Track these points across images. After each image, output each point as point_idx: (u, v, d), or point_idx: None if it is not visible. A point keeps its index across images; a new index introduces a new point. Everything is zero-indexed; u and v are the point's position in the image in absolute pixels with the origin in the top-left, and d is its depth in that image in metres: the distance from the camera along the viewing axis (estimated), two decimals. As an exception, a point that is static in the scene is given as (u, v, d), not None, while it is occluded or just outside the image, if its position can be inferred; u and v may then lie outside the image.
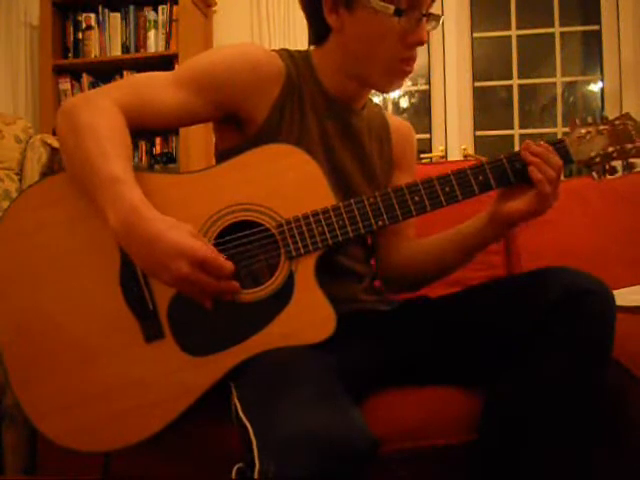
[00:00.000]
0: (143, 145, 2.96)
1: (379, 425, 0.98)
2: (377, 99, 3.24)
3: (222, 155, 1.06)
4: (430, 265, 1.14)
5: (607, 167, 1.00)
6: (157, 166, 2.80)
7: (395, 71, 1.02)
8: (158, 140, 2.94)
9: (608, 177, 1.00)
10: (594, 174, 1.01)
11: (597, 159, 0.99)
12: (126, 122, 0.95)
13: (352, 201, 0.96)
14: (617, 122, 1.00)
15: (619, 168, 0.99)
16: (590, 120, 1.01)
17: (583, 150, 0.99)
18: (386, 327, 1.07)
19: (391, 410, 1.02)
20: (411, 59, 1.01)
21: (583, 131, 1.00)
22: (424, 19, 0.98)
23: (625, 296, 1.25)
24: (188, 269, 0.82)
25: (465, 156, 2.77)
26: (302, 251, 0.94)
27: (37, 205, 0.97)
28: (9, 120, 1.83)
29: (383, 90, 1.08)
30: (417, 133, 1.30)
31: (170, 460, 1.04)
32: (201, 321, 0.92)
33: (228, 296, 0.89)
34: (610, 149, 0.99)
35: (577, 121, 1.01)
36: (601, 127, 1.00)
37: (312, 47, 1.10)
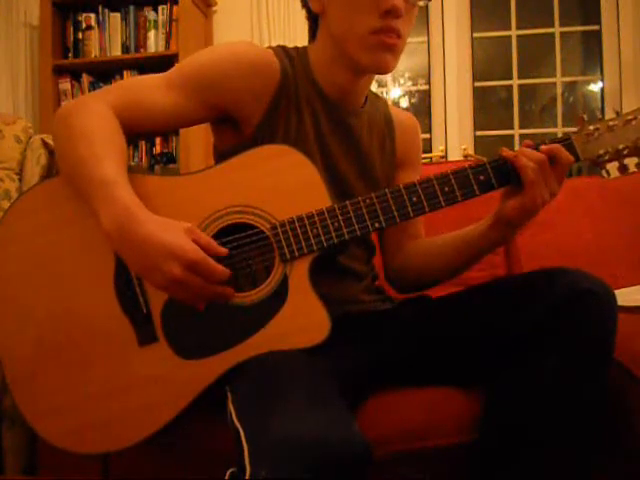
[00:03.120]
0: (143, 145, 2.97)
1: (380, 426, 0.98)
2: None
3: (220, 155, 1.06)
4: (441, 265, 1.12)
5: (618, 165, 0.95)
6: (157, 166, 2.80)
7: (375, 45, 0.97)
8: (158, 140, 2.94)
9: (618, 175, 0.95)
10: (603, 172, 0.96)
11: (606, 157, 0.94)
12: (120, 125, 0.95)
13: (348, 202, 0.94)
14: (629, 117, 0.94)
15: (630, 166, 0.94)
16: (599, 117, 0.95)
17: (590, 148, 0.95)
18: (386, 327, 1.07)
19: (391, 411, 1.02)
20: (389, 30, 0.96)
21: (591, 128, 0.95)
22: None
23: (626, 296, 1.24)
24: (179, 271, 0.82)
25: (465, 156, 2.77)
26: (296, 254, 0.92)
27: (34, 209, 0.97)
28: (9, 120, 1.83)
29: (371, 69, 1.02)
30: (417, 133, 1.29)
31: (169, 461, 1.04)
32: (194, 325, 0.92)
33: (219, 300, 0.89)
34: (621, 146, 0.94)
35: (585, 117, 0.96)
36: (611, 123, 0.94)
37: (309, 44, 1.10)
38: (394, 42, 0.98)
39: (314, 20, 1.07)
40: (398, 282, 1.20)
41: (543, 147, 0.94)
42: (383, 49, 0.98)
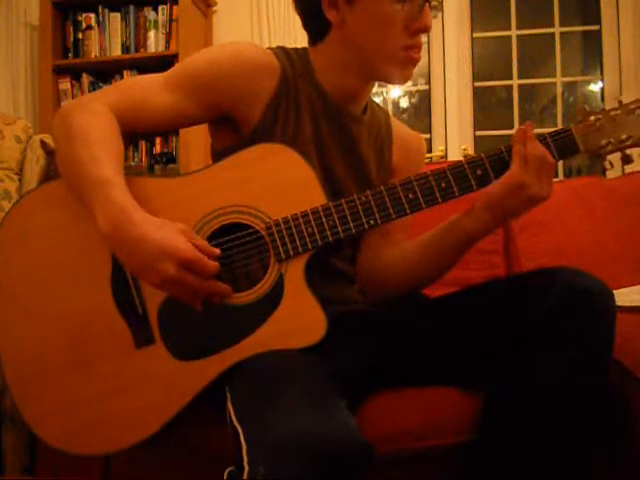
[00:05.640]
0: (143, 145, 2.96)
1: (379, 426, 0.98)
2: (377, 99, 3.24)
3: (217, 156, 1.06)
4: (404, 273, 1.09)
5: (621, 155, 0.94)
6: (157, 166, 2.80)
7: (403, 60, 1.00)
8: (158, 140, 2.94)
9: (620, 165, 0.94)
10: (606, 164, 0.95)
11: (608, 148, 0.93)
12: (119, 126, 0.96)
13: (343, 200, 0.94)
14: (632, 106, 0.93)
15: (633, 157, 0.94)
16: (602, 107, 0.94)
17: (591, 139, 0.94)
18: (384, 327, 1.07)
19: (391, 411, 1.02)
20: (417, 46, 1.00)
21: (593, 119, 0.94)
22: (427, 5, 0.98)
23: (626, 296, 1.25)
24: (174, 270, 0.83)
25: (465, 156, 2.77)
26: (291, 253, 0.92)
27: (33, 212, 0.97)
28: (9, 120, 1.83)
29: (392, 81, 1.05)
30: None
31: (169, 462, 1.05)
32: (191, 325, 0.92)
33: (216, 298, 0.89)
34: (623, 136, 0.92)
35: (586, 108, 0.95)
36: (613, 113, 0.93)
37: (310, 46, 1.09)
38: (420, 56, 1.01)
39: (322, 25, 1.03)
40: (368, 289, 1.14)
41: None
42: (411, 63, 1.01)
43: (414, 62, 1.01)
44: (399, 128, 1.19)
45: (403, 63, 1.01)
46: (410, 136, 1.20)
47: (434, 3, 1.00)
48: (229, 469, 0.79)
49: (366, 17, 0.98)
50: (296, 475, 0.66)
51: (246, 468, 0.72)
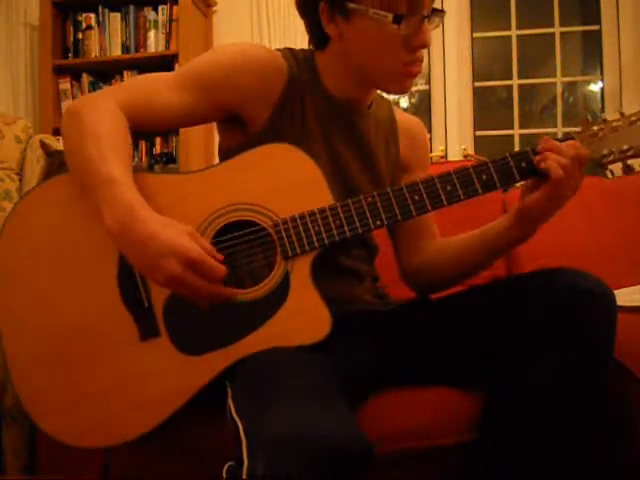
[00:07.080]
0: (143, 145, 2.97)
1: (380, 425, 0.98)
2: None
3: (225, 154, 1.07)
4: (449, 266, 1.11)
5: (622, 165, 0.95)
6: (157, 166, 2.81)
7: (402, 74, 1.00)
8: (158, 140, 2.94)
9: (621, 175, 0.95)
10: (607, 173, 0.96)
11: (610, 157, 0.94)
12: (128, 124, 0.96)
13: (350, 201, 0.95)
14: (634, 118, 0.94)
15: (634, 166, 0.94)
16: (603, 117, 0.95)
17: (594, 148, 0.95)
18: (387, 327, 1.07)
19: (391, 410, 1.02)
20: (417, 61, 0.99)
21: (595, 128, 0.95)
22: (425, 21, 0.96)
23: (626, 296, 1.25)
24: (180, 269, 0.83)
25: (465, 156, 2.77)
26: (298, 251, 0.93)
27: (40, 206, 0.98)
28: (9, 120, 1.83)
29: (392, 93, 1.07)
30: (417, 133, 1.28)
31: (169, 459, 1.05)
32: (196, 320, 0.93)
33: (220, 300, 0.89)
34: (625, 147, 0.93)
35: (589, 118, 0.96)
36: (615, 124, 0.94)
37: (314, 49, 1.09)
38: (420, 70, 1.01)
39: (322, 36, 1.03)
40: (414, 283, 1.18)
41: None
42: (410, 77, 1.01)
43: (413, 76, 1.01)
44: (401, 117, 1.20)
45: (402, 77, 1.00)
46: (411, 123, 1.21)
47: (436, 11, 0.99)
48: (229, 464, 0.79)
49: (362, 35, 0.98)
50: (295, 472, 0.66)
51: (245, 463, 0.72)
